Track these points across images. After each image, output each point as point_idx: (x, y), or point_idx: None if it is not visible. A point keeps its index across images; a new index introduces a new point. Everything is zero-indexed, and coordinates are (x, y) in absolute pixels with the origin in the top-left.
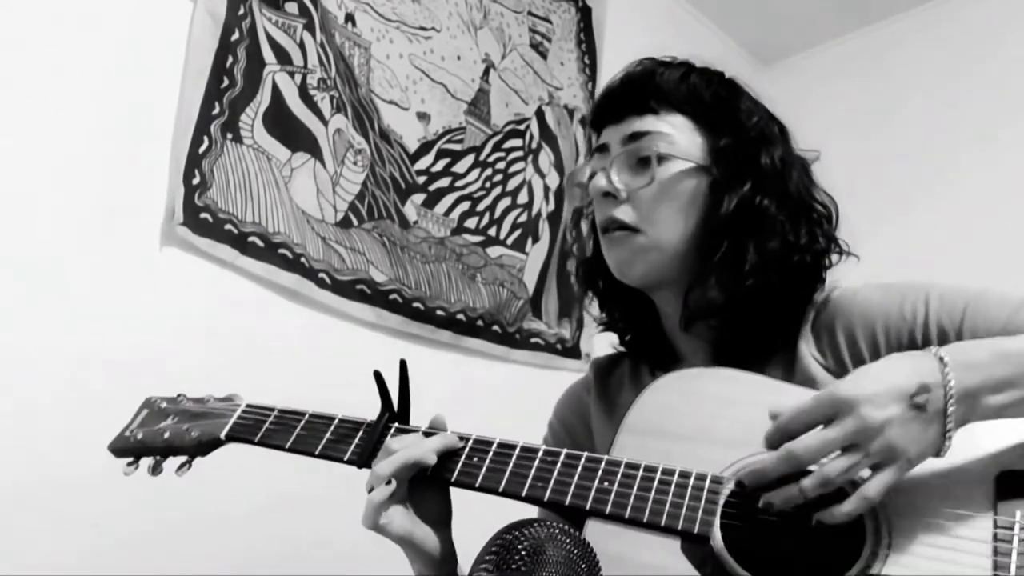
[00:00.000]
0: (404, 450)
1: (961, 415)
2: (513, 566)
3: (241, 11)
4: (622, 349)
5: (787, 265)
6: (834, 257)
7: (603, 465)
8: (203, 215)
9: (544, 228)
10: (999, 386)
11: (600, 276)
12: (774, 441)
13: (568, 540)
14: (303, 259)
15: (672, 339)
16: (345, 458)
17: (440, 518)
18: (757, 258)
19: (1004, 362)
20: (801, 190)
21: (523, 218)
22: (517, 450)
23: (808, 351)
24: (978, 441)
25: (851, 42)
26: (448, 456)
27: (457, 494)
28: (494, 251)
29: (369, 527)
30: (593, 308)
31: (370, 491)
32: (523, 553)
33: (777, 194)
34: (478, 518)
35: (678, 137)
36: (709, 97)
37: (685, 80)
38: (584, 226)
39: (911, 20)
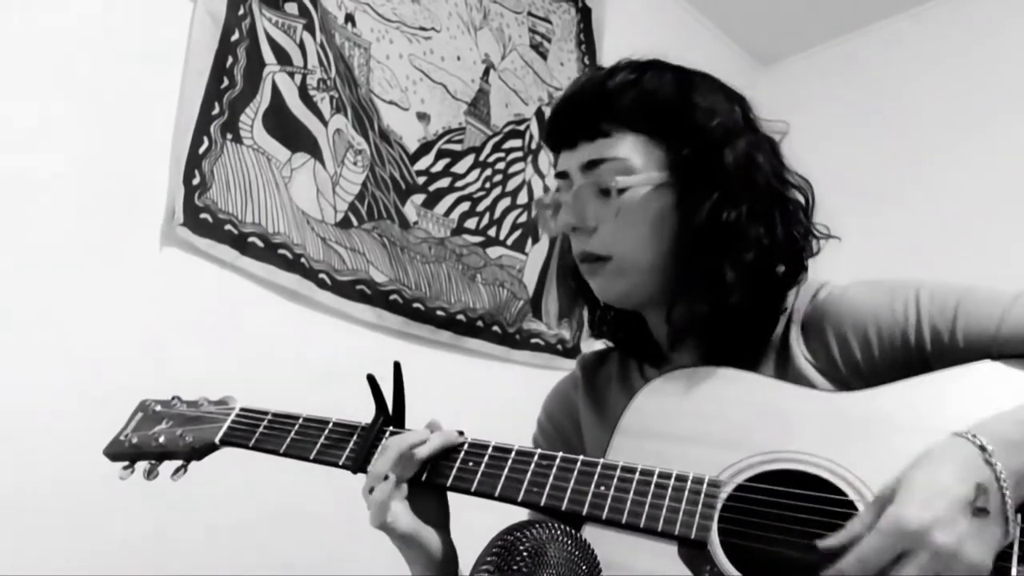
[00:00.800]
0: (398, 438)
1: (1016, 499)
2: (514, 567)
3: (241, 11)
4: (610, 345)
5: (767, 271)
6: (814, 244)
7: (599, 469)
8: (203, 215)
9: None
10: None
11: (588, 288)
12: None
13: (569, 541)
14: (303, 259)
15: (662, 348)
16: (340, 463)
17: (439, 521)
18: (735, 274)
19: None
20: (772, 181)
21: (523, 218)
22: (512, 454)
23: (800, 351)
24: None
25: (850, 42)
26: (443, 460)
27: (455, 496)
28: (494, 251)
29: (377, 526)
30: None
31: (370, 492)
32: (524, 554)
33: (747, 197)
34: (478, 518)
35: (635, 159)
36: (662, 105)
37: (634, 88)
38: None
39: (910, 20)
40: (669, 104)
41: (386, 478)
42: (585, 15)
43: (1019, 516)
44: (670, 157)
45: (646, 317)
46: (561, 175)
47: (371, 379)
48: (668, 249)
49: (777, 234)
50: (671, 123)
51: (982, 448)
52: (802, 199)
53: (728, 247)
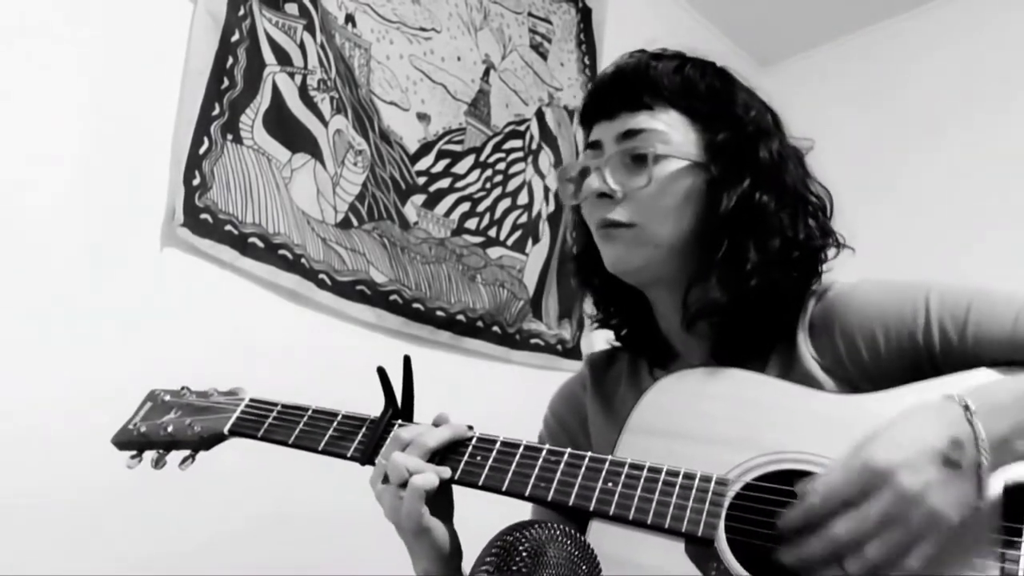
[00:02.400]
0: (423, 438)
1: (994, 463)
2: (514, 567)
3: (241, 12)
4: (618, 345)
5: (788, 262)
6: (831, 251)
7: (607, 465)
8: (203, 216)
9: (544, 229)
10: None
11: (595, 272)
12: (807, 520)
13: (569, 541)
14: (303, 260)
15: (668, 337)
16: (348, 455)
17: (445, 514)
18: (759, 257)
19: None
20: (797, 182)
21: (523, 219)
22: (520, 449)
23: (806, 350)
24: None
25: (850, 43)
26: (451, 454)
27: (461, 493)
28: (494, 252)
29: (404, 514)
30: (588, 305)
31: (383, 480)
32: (524, 554)
33: (775, 189)
34: (478, 517)
35: (673, 134)
36: (704, 90)
37: (679, 73)
38: (570, 220)
39: (910, 20)
40: (712, 90)
41: (421, 470)
42: (585, 15)
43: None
44: (706, 140)
45: (653, 302)
46: (593, 145)
47: (381, 372)
48: (690, 229)
49: (800, 228)
50: (711, 108)
51: (966, 408)
52: (821, 206)
53: (755, 230)
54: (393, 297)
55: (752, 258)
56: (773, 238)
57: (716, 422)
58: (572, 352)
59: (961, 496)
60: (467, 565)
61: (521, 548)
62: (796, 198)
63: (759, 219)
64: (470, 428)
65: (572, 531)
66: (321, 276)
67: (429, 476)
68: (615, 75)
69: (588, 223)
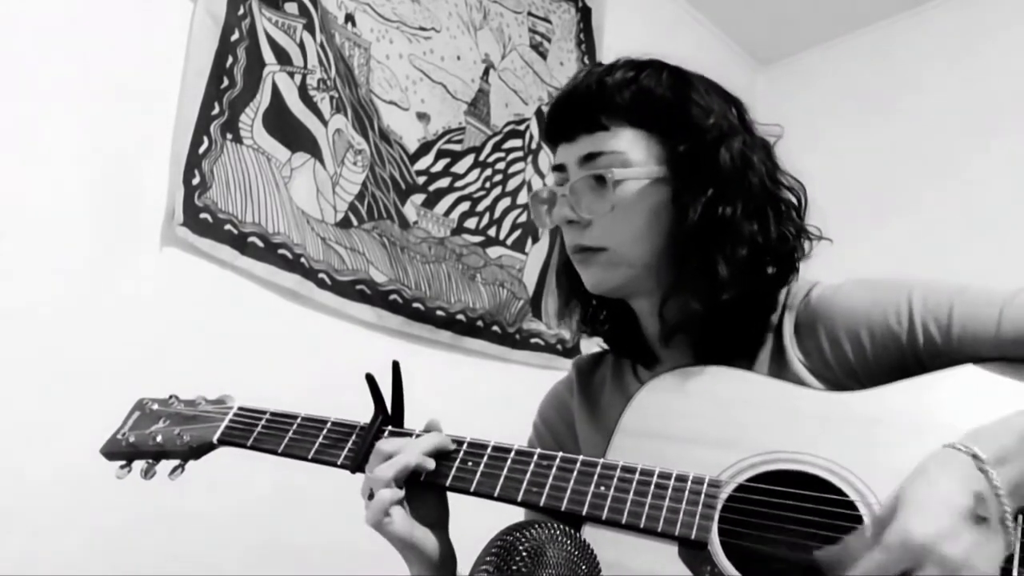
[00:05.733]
0: (402, 454)
1: (1013, 508)
2: (514, 567)
3: (241, 11)
4: (604, 348)
5: (760, 268)
6: (806, 244)
7: (599, 469)
8: (203, 215)
9: (544, 229)
10: None
11: (579, 284)
12: None
13: (569, 541)
14: (303, 259)
15: (652, 344)
16: (338, 463)
17: (438, 521)
18: (728, 268)
19: None
20: (766, 182)
21: (523, 218)
22: (512, 454)
23: (793, 353)
24: None
25: (850, 42)
26: (442, 460)
27: (455, 495)
28: (494, 251)
29: (372, 525)
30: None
31: (368, 496)
32: (524, 554)
33: (741, 195)
34: (478, 518)
35: (632, 153)
36: (659, 101)
37: (631, 86)
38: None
39: (910, 20)
40: (667, 100)
41: (389, 486)
42: (585, 15)
43: (1020, 518)
44: (666, 153)
45: (637, 312)
46: (558, 168)
47: (370, 378)
48: (662, 243)
49: (770, 233)
50: (668, 119)
51: (975, 456)
52: (795, 200)
53: (722, 242)
54: (393, 297)
55: (722, 271)
56: (740, 248)
57: (707, 423)
58: (572, 352)
59: (996, 550)
60: (465, 568)
61: (521, 548)
62: (765, 199)
63: (725, 231)
64: (456, 443)
65: (571, 531)
66: (321, 276)
67: (389, 493)
68: (569, 96)
69: (566, 246)
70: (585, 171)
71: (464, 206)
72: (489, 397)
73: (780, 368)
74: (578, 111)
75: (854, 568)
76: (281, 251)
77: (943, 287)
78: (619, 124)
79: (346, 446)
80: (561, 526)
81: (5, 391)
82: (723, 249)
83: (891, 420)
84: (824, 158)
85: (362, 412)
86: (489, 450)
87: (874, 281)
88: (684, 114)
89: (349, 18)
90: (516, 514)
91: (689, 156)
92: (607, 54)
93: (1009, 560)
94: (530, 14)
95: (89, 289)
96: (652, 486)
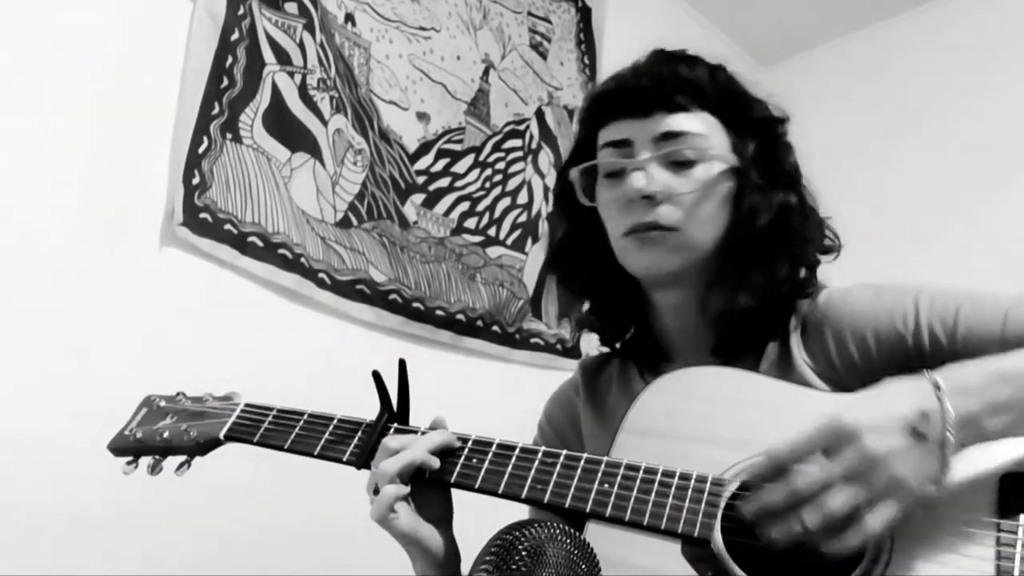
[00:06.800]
0: (408, 450)
1: (960, 441)
2: (513, 566)
3: (241, 11)
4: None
5: (811, 268)
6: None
7: (603, 467)
8: (203, 215)
9: (544, 228)
10: (997, 409)
11: (585, 270)
12: (772, 472)
13: (568, 540)
14: (303, 259)
15: (664, 337)
16: (344, 459)
17: (442, 518)
18: (790, 267)
19: (1001, 383)
20: (807, 191)
21: (523, 218)
22: (516, 451)
23: (800, 355)
24: (981, 444)
25: (851, 43)
26: (447, 457)
27: (457, 493)
28: (494, 251)
29: (378, 520)
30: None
31: (374, 491)
32: (523, 553)
33: (800, 198)
34: (478, 518)
35: (713, 137)
36: (738, 95)
37: (712, 75)
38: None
39: (910, 20)
40: (744, 96)
41: (394, 481)
42: (585, 15)
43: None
44: (740, 145)
45: (658, 305)
46: (619, 143)
47: (376, 375)
48: (724, 233)
49: (815, 236)
50: (743, 113)
51: (936, 385)
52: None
53: (787, 238)
54: (393, 296)
55: (784, 268)
56: (801, 246)
57: (711, 422)
58: (572, 351)
59: (924, 467)
60: (465, 567)
61: (520, 547)
62: (811, 205)
63: (791, 228)
64: (461, 440)
65: (571, 530)
66: (321, 275)
67: (395, 488)
68: (648, 74)
69: (614, 225)
70: (667, 147)
71: (464, 206)
72: (489, 397)
73: (785, 370)
74: (657, 89)
75: (783, 444)
76: (281, 251)
77: (950, 291)
78: (698, 108)
79: (352, 442)
80: (561, 525)
81: (5, 391)
82: (788, 245)
83: None
84: (824, 157)
85: (362, 412)
86: (494, 447)
87: (882, 286)
88: (758, 111)
89: (349, 18)
90: (518, 513)
91: (759, 153)
92: (607, 54)
93: (1007, 557)
94: (530, 14)
95: (89, 289)
96: (656, 484)
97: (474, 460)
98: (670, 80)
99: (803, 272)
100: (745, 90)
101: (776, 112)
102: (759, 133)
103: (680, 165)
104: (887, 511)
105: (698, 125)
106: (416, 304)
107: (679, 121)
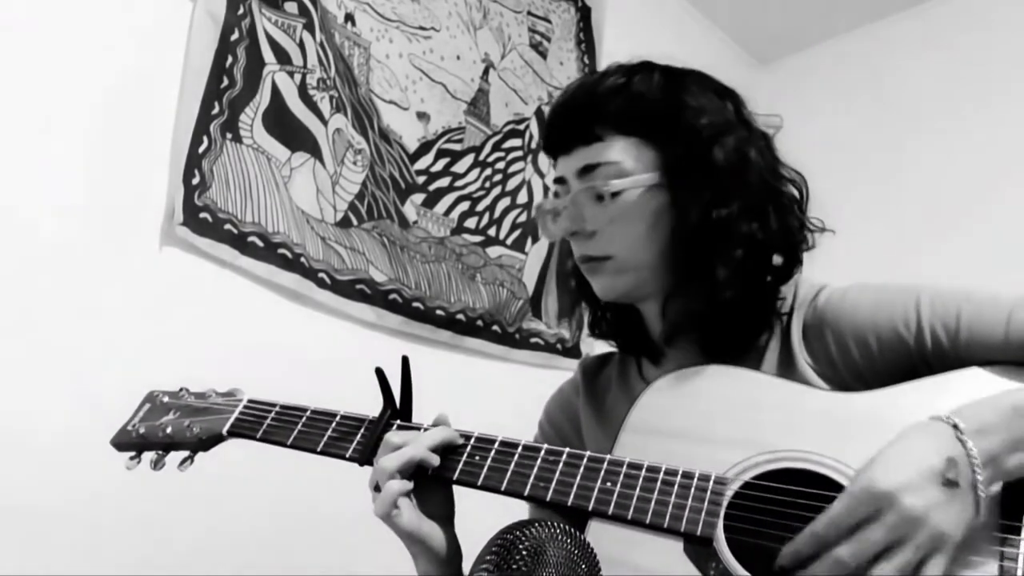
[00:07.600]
0: (409, 447)
1: (987, 480)
2: (514, 566)
3: (241, 11)
4: (614, 348)
5: (762, 265)
6: (810, 237)
7: (606, 465)
8: (203, 215)
9: None
10: (1017, 445)
11: (588, 290)
12: (816, 547)
13: (569, 540)
14: (303, 259)
15: (659, 345)
16: (347, 455)
17: (445, 515)
18: (726, 270)
19: (1019, 418)
20: (765, 176)
21: (523, 218)
22: (519, 449)
23: (801, 355)
24: None
25: (850, 41)
26: (450, 454)
27: (460, 491)
28: (494, 251)
29: (380, 517)
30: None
31: (375, 487)
32: (524, 553)
33: (738, 193)
34: (479, 517)
35: (628, 162)
36: (650, 107)
37: (623, 93)
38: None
39: (909, 19)
40: (658, 105)
41: (394, 477)
42: (585, 14)
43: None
44: (662, 158)
45: (643, 313)
46: (559, 180)
47: (379, 372)
48: (665, 247)
49: (771, 228)
50: (661, 124)
51: (955, 427)
52: (796, 193)
53: (718, 245)
54: (393, 296)
55: (720, 272)
56: (737, 249)
57: (714, 421)
58: (572, 351)
59: (962, 515)
60: (466, 566)
61: (521, 547)
62: (764, 194)
63: (721, 233)
64: (464, 438)
65: (572, 530)
66: (321, 275)
67: (398, 484)
68: (562, 108)
69: (574, 256)
70: (583, 183)
71: (464, 206)
72: (489, 397)
73: (787, 370)
74: (572, 123)
75: (820, 517)
76: (281, 251)
77: (950, 292)
78: (612, 133)
79: (355, 439)
80: (562, 525)
81: (4, 391)
82: (719, 252)
83: (897, 420)
84: (824, 157)
85: (362, 411)
86: (497, 445)
87: (882, 286)
88: (676, 118)
89: (349, 17)
90: (519, 512)
91: (684, 160)
92: (607, 54)
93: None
94: (530, 13)
95: (89, 289)
96: (658, 482)
97: (477, 457)
98: (582, 112)
99: (756, 270)
100: (668, 95)
101: (709, 104)
102: (683, 139)
103: (602, 197)
104: (938, 565)
105: (614, 153)
106: (416, 304)
107: (595, 153)
